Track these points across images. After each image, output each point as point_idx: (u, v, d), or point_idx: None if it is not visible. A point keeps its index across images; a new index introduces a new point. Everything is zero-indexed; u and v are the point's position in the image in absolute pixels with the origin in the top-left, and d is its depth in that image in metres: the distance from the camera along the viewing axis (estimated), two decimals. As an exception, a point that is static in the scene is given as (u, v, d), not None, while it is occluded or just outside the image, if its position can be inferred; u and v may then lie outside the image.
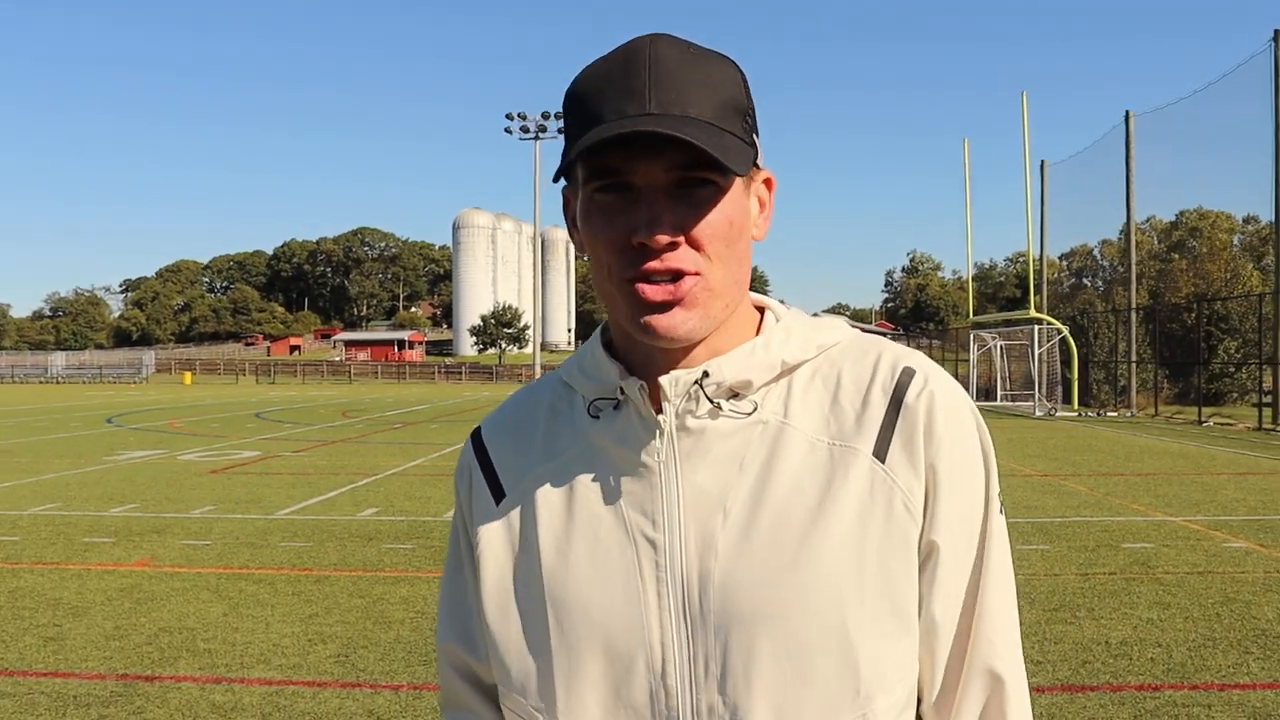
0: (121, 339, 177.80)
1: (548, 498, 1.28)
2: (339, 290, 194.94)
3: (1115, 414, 36.70)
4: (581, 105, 1.19)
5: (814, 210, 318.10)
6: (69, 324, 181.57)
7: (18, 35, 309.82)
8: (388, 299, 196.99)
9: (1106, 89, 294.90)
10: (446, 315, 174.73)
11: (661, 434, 1.23)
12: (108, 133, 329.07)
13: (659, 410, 1.24)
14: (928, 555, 1.24)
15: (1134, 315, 41.45)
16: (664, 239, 1.15)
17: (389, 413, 38.76)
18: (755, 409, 1.24)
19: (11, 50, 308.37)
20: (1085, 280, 77.61)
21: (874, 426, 1.23)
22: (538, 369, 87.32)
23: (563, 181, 1.26)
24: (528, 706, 1.26)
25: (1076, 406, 37.99)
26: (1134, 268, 43.37)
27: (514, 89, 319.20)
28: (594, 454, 1.28)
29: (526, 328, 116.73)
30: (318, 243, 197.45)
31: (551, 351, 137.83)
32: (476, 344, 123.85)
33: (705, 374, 1.23)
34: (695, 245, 1.18)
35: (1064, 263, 75.85)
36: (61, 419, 34.53)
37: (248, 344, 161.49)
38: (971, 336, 45.77)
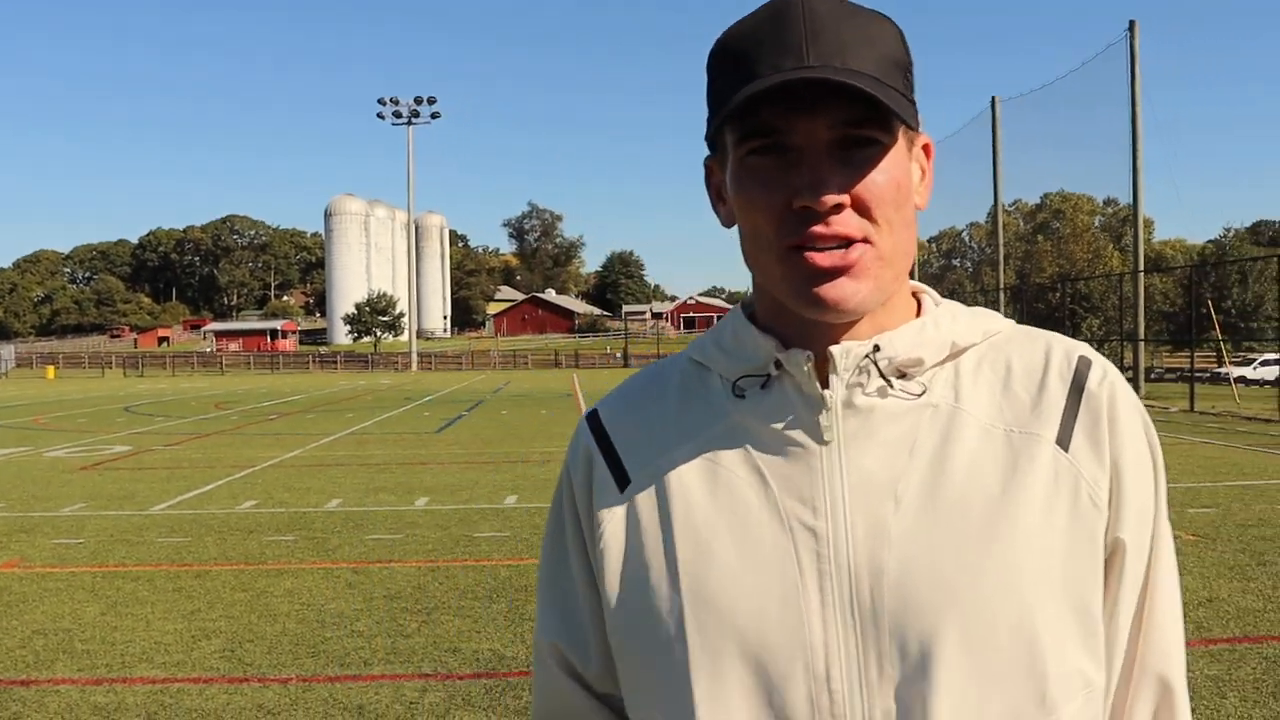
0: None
1: (683, 484, 1.17)
2: (208, 280, 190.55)
3: (985, 392, 37.72)
4: (731, 64, 1.10)
5: (690, 193, 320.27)
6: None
7: None
8: (259, 288, 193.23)
9: (974, 75, 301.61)
10: (320, 304, 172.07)
11: (826, 410, 1.13)
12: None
13: (823, 386, 1.14)
14: (1113, 553, 1.15)
15: (1002, 295, 42.61)
16: (830, 200, 1.06)
17: (263, 404, 38.05)
18: (924, 391, 1.15)
19: None
20: (955, 262, 79.42)
21: (1055, 414, 1.15)
22: (414, 357, 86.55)
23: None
24: (659, 719, 1.15)
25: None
26: (1001, 249, 44.57)
27: (385, 73, 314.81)
28: (739, 434, 1.17)
29: (401, 315, 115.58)
30: (185, 231, 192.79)
31: (428, 339, 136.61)
32: (351, 333, 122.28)
33: (876, 348, 1.14)
34: (862, 209, 1.08)
35: (933, 245, 77.57)
36: (-83, 417, 33.22)
37: (113, 336, 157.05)
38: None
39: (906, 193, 1.12)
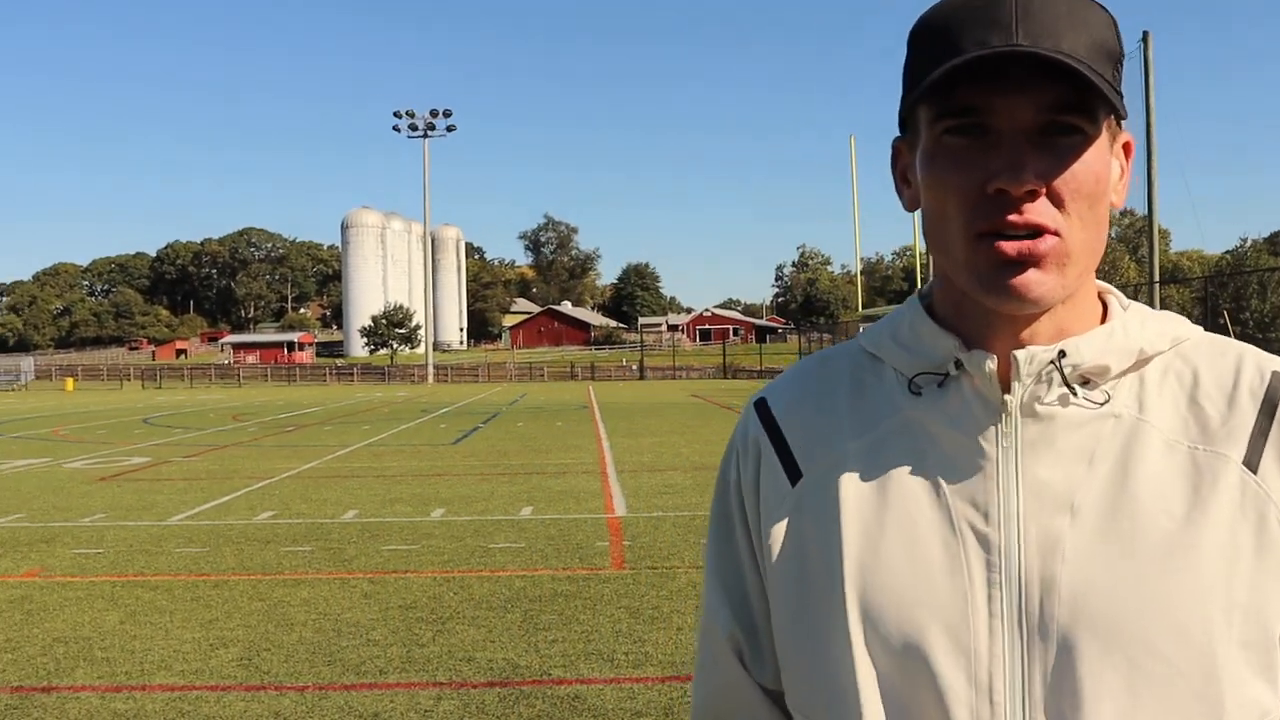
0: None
1: (855, 481, 1.15)
2: (225, 292, 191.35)
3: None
4: (934, 39, 1.07)
5: (706, 205, 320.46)
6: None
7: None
8: (276, 300, 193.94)
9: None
10: (336, 316, 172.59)
11: (1006, 416, 1.10)
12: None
13: (1004, 390, 1.11)
14: None
15: (1017, 307, 42.63)
16: (1028, 186, 1.03)
17: (281, 416, 38.23)
18: (1108, 400, 1.11)
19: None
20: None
21: (1244, 433, 1.09)
22: (430, 370, 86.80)
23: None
24: (823, 717, 1.15)
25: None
26: (1016, 260, 44.63)
27: (401, 87, 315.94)
28: (913, 435, 1.15)
29: (418, 328, 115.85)
30: (202, 244, 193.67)
31: (444, 352, 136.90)
32: (368, 345, 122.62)
33: (1062, 354, 1.10)
34: (1056, 200, 1.05)
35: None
36: (-62, 429, 33.45)
37: (132, 348, 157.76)
38: (861, 329, 46.54)
39: (1105, 188, 1.09)
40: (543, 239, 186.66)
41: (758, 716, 1.26)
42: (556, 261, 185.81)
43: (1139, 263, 53.16)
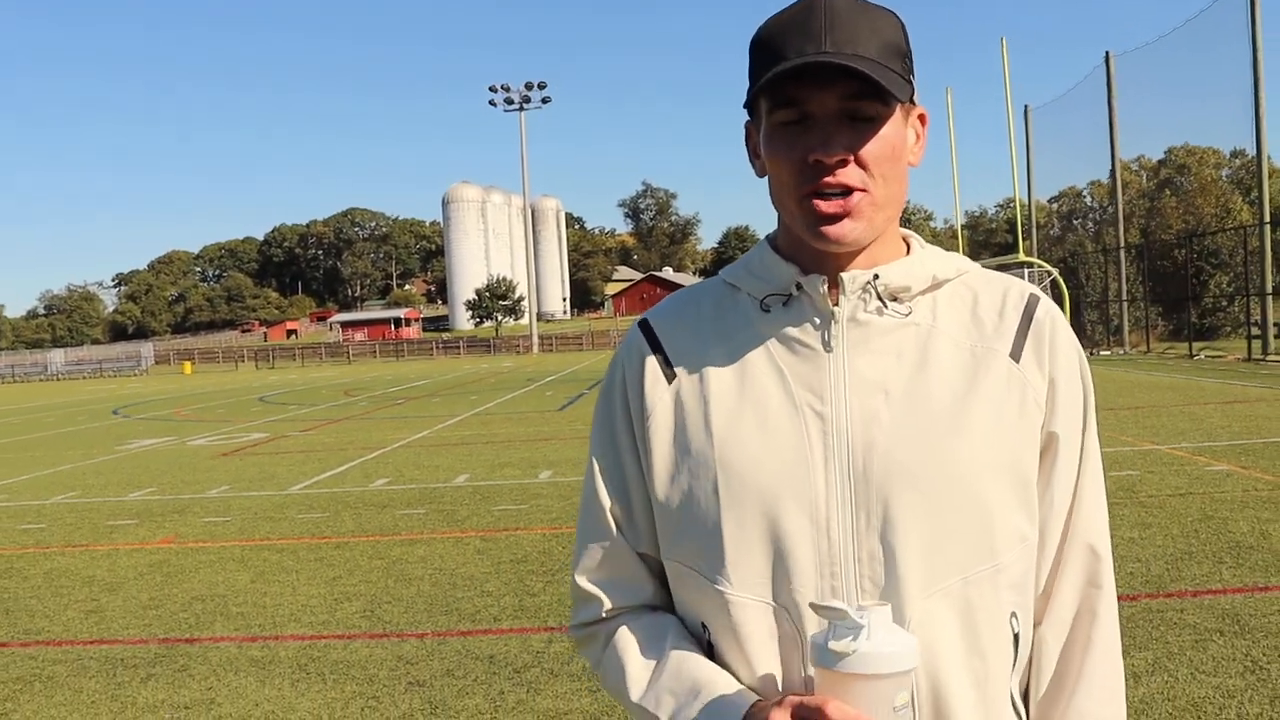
0: (118, 333, 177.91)
1: (719, 376, 1.48)
2: (332, 272, 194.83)
3: (1109, 353, 37.09)
4: (766, 47, 1.39)
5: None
6: (64, 321, 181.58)
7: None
8: (381, 278, 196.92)
9: (1086, 31, 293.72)
10: (441, 291, 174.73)
11: (835, 323, 1.45)
12: (92, 128, 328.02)
13: (833, 304, 1.45)
14: (1048, 444, 1.47)
15: (1123, 255, 41.78)
16: (836, 156, 1.36)
17: (390, 389, 39.09)
18: (910, 313, 1.46)
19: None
20: (1075, 222, 77.77)
21: (1009, 334, 1.47)
22: (535, 340, 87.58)
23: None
24: (695, 560, 1.45)
25: (1070, 347, 38.22)
26: (1120, 207, 43.64)
27: (496, 60, 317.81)
28: (764, 340, 1.48)
29: (521, 299, 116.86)
30: (308, 226, 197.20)
31: (548, 321, 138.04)
32: (472, 318, 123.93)
33: (876, 276, 1.45)
34: (862, 164, 1.37)
35: (1054, 206, 75.99)
36: (68, 414, 34.87)
37: (244, 331, 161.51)
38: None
39: (899, 152, 1.42)
40: (642, 206, 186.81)
41: (632, 573, 1.56)
42: (656, 228, 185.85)
43: (1252, 205, 51.65)
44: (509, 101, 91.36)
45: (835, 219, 1.38)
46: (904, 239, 1.55)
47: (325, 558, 9.15)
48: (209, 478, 15.17)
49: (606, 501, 1.57)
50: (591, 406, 24.72)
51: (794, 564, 1.40)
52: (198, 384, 56.21)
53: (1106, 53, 41.64)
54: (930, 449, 1.39)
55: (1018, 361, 1.46)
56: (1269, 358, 29.44)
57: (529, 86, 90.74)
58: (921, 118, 1.50)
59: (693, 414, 1.48)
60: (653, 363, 1.54)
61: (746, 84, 1.47)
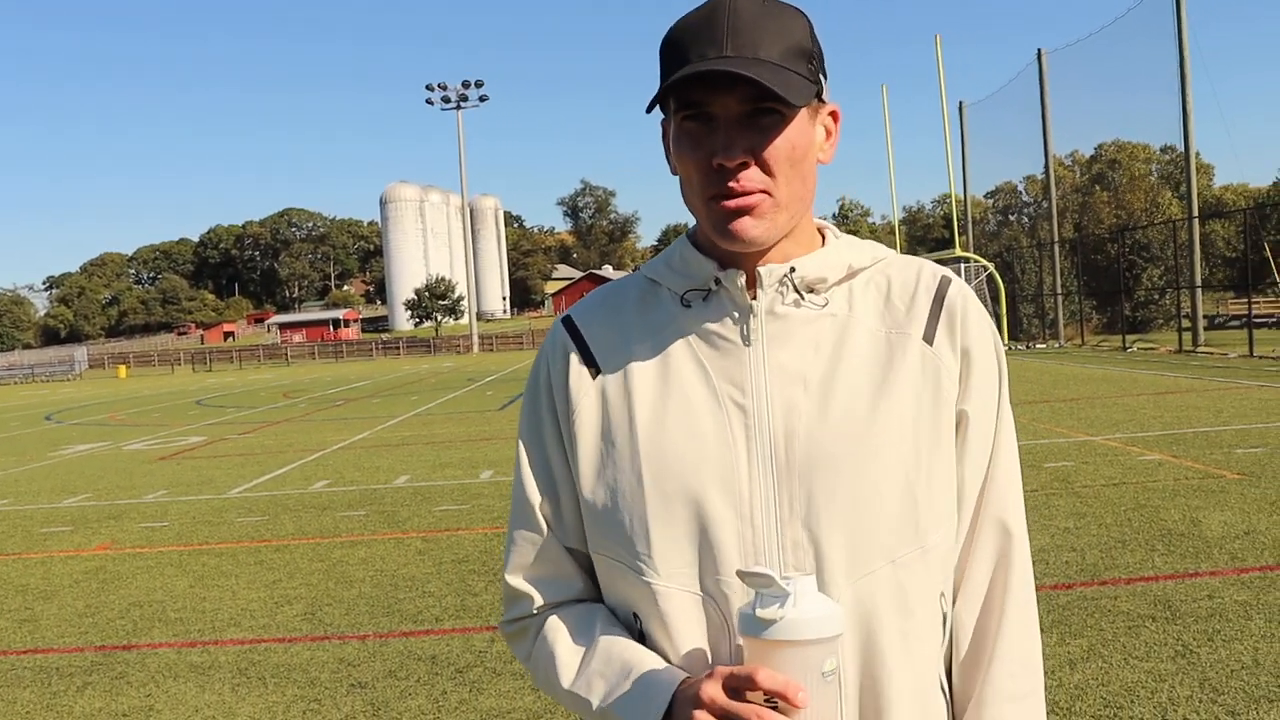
0: (50, 337, 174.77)
1: (643, 370, 1.50)
2: (269, 274, 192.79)
3: (1044, 345, 37.62)
4: (672, 50, 1.41)
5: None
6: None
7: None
8: (319, 279, 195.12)
9: (1019, 28, 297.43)
10: (380, 291, 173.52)
11: (754, 316, 1.47)
12: (19, 128, 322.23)
13: (752, 298, 1.48)
14: (960, 421, 1.49)
15: (1057, 249, 42.35)
16: (737, 160, 1.37)
17: (330, 391, 38.81)
18: (826, 304, 1.49)
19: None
20: (1011, 217, 78.68)
21: (922, 318, 1.49)
22: (475, 339, 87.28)
23: (658, 116, 1.52)
24: (622, 553, 1.47)
25: (1006, 341, 38.80)
26: (1054, 202, 44.23)
27: (432, 60, 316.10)
28: (685, 335, 1.50)
29: (461, 298, 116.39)
30: (244, 227, 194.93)
31: (488, 321, 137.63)
32: (412, 318, 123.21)
33: (792, 269, 1.48)
34: (764, 166, 1.39)
35: (989, 201, 76.85)
36: (-1, 419, 34.27)
37: (180, 333, 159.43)
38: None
39: (803, 151, 1.43)
40: (581, 204, 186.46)
41: (561, 569, 1.57)
42: (596, 226, 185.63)
43: (1182, 199, 52.56)
44: (446, 100, 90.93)
45: (737, 214, 1.40)
46: (819, 230, 1.58)
47: (265, 561, 9.08)
48: (146, 483, 14.98)
49: (535, 498, 1.58)
50: (533, 405, 24.67)
51: (719, 553, 1.41)
52: (133, 388, 55.43)
53: (1039, 50, 42.21)
54: (849, 436, 1.42)
55: (930, 344, 1.49)
56: (1199, 349, 29.99)
57: (466, 85, 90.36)
58: (834, 114, 1.52)
59: (617, 409, 1.50)
60: (576, 359, 1.56)
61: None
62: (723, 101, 1.38)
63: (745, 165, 1.39)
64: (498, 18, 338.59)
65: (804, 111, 1.43)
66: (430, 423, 21.96)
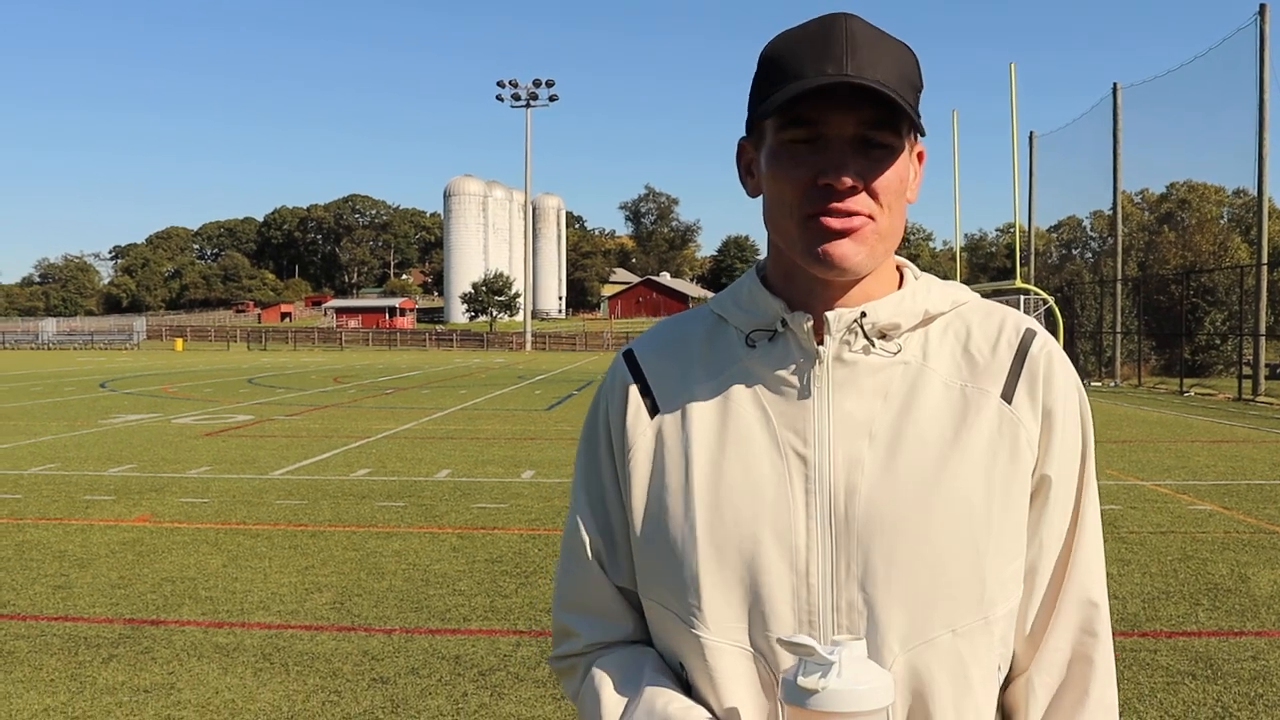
0: (111, 305, 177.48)
1: (703, 413, 1.43)
2: (330, 257, 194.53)
3: (1100, 384, 37.10)
4: (781, 64, 1.34)
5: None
6: (58, 290, 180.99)
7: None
8: (379, 266, 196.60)
9: (1095, 61, 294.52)
10: (438, 283, 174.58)
11: (820, 363, 1.39)
12: (100, 99, 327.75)
13: (818, 343, 1.40)
14: (1039, 486, 1.40)
15: (1120, 287, 41.81)
16: (848, 182, 1.31)
17: (380, 379, 39.03)
18: (899, 350, 1.41)
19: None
20: (1074, 251, 77.87)
21: (1002, 373, 1.41)
22: (528, 337, 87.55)
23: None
24: (671, 601, 1.40)
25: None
26: (1120, 239, 43.68)
27: (504, 56, 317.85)
28: (749, 378, 1.43)
29: (518, 295, 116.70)
30: (308, 210, 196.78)
31: (543, 320, 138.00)
32: (468, 311, 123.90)
33: (863, 314, 1.39)
34: (872, 194, 1.33)
35: (1053, 234, 76.10)
36: (55, 384, 34.77)
37: (238, 311, 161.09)
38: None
39: (905, 186, 1.38)
40: (643, 210, 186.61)
41: (612, 608, 1.51)
42: (656, 232, 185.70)
43: (1250, 244, 51.74)
44: (516, 98, 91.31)
45: (839, 235, 1.33)
46: (898, 268, 1.50)
47: (300, 546, 9.09)
48: (191, 457, 15.10)
49: (587, 535, 1.52)
50: (581, 409, 24.71)
51: (771, 610, 1.35)
52: (188, 361, 56.09)
53: (1114, 84, 41.69)
54: (915, 495, 1.34)
55: (1009, 402, 1.40)
56: (1259, 399, 29.45)
57: (537, 84, 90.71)
58: (920, 155, 1.46)
59: (673, 451, 1.44)
60: (635, 396, 1.50)
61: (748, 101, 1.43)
62: (838, 121, 1.33)
63: (854, 190, 1.33)
64: (572, 18, 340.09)
65: (907, 147, 1.39)
66: (477, 418, 22.00)
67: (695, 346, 1.50)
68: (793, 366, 1.41)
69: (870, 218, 1.34)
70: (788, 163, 1.35)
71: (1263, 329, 31.18)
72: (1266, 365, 30.84)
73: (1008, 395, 1.40)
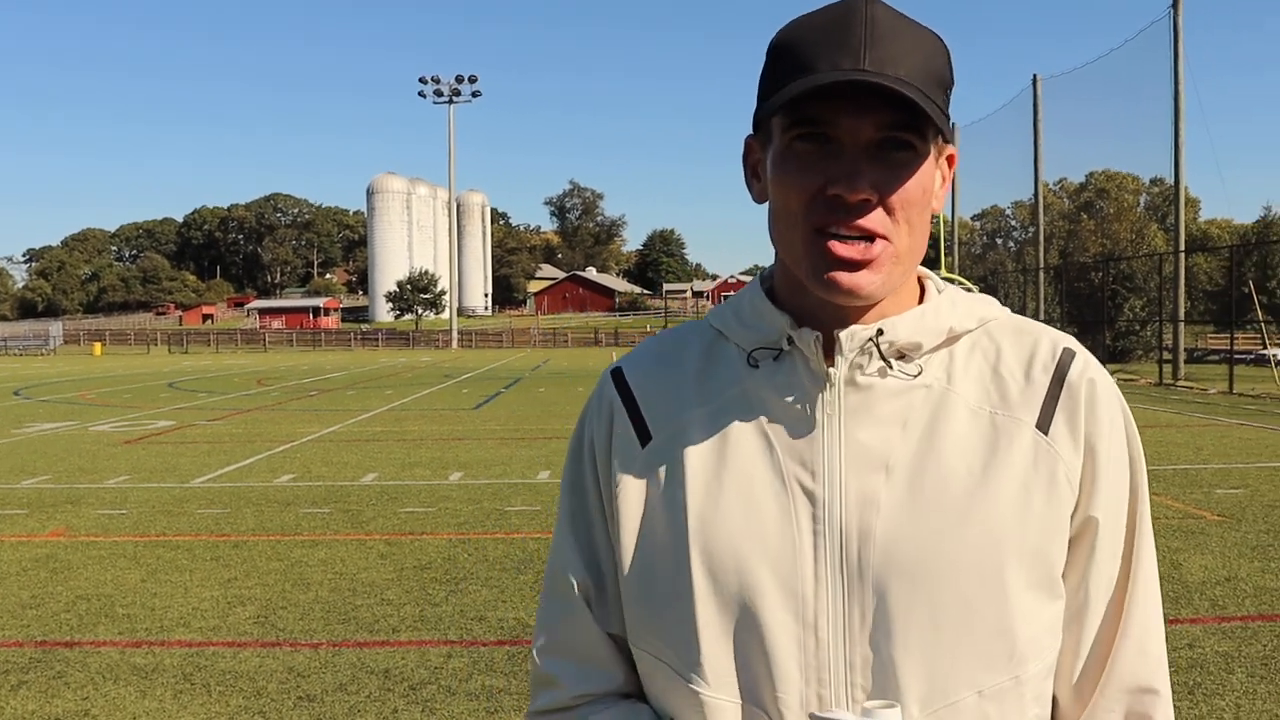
0: (26, 310, 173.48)
1: (699, 443, 1.27)
2: (252, 258, 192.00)
3: (1024, 372, 37.58)
4: (791, 55, 1.18)
5: (732, 172, 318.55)
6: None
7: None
8: (302, 266, 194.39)
9: (1015, 52, 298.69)
10: (362, 282, 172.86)
11: (830, 387, 1.23)
12: (10, 99, 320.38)
13: (829, 364, 1.24)
14: (1082, 529, 1.24)
15: (1042, 275, 42.37)
16: (861, 195, 1.15)
17: (305, 380, 38.50)
18: (920, 372, 1.24)
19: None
20: (998, 241, 78.86)
21: (1037, 400, 1.24)
22: (454, 335, 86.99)
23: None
24: (665, 652, 1.25)
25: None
26: (1042, 228, 44.27)
27: (427, 52, 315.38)
28: (751, 402, 1.27)
29: (443, 293, 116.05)
30: (229, 209, 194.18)
31: (469, 317, 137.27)
32: (393, 310, 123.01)
33: (880, 332, 1.23)
34: (888, 208, 1.17)
35: (977, 223, 77.01)
36: (-33, 392, 33.84)
37: (159, 314, 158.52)
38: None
39: (929, 197, 1.22)
40: (568, 205, 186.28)
41: (600, 655, 1.34)
42: (582, 227, 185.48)
43: (1167, 231, 52.69)
44: (439, 94, 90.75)
45: (852, 266, 1.17)
46: (919, 279, 1.33)
47: (222, 557, 8.82)
48: (109, 466, 14.69)
49: (574, 575, 1.36)
50: (508, 407, 24.53)
51: (776, 666, 1.20)
52: (107, 366, 54.95)
53: (1034, 75, 42.22)
54: (937, 539, 1.18)
55: (1046, 433, 1.23)
56: (1179, 383, 29.97)
57: (459, 80, 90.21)
58: (950, 159, 1.30)
59: (666, 486, 1.27)
60: (624, 421, 1.33)
61: (754, 90, 1.26)
62: (852, 124, 1.16)
63: (868, 204, 1.16)
64: (494, 13, 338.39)
65: (932, 152, 1.21)
66: (403, 419, 21.72)
67: (691, 365, 1.33)
68: (800, 390, 1.25)
69: (886, 239, 1.18)
70: (794, 167, 1.19)
71: (1181, 315, 31.72)
72: (1185, 349, 31.35)
73: (1044, 425, 1.23)
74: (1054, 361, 1.27)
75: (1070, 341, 1.30)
